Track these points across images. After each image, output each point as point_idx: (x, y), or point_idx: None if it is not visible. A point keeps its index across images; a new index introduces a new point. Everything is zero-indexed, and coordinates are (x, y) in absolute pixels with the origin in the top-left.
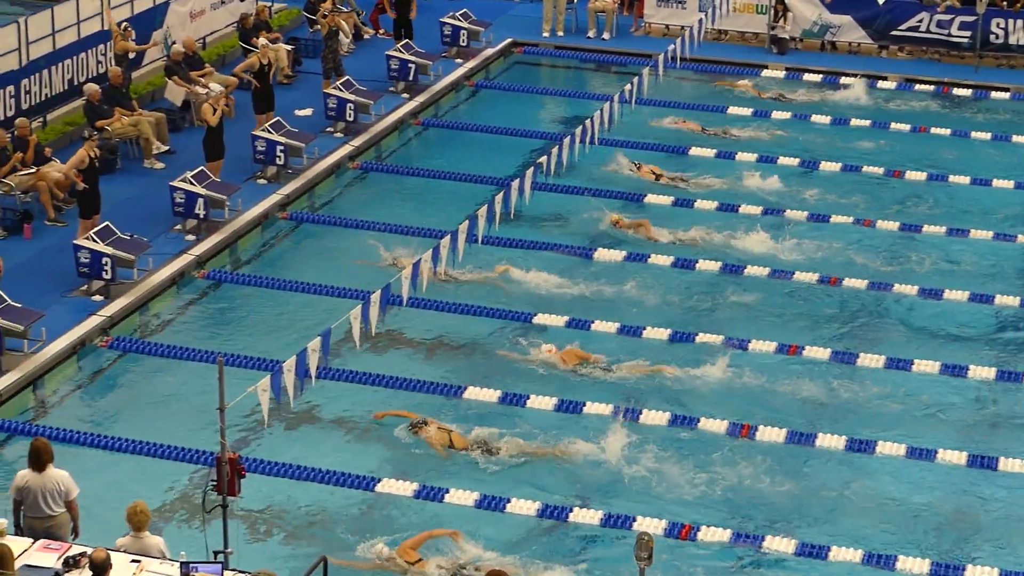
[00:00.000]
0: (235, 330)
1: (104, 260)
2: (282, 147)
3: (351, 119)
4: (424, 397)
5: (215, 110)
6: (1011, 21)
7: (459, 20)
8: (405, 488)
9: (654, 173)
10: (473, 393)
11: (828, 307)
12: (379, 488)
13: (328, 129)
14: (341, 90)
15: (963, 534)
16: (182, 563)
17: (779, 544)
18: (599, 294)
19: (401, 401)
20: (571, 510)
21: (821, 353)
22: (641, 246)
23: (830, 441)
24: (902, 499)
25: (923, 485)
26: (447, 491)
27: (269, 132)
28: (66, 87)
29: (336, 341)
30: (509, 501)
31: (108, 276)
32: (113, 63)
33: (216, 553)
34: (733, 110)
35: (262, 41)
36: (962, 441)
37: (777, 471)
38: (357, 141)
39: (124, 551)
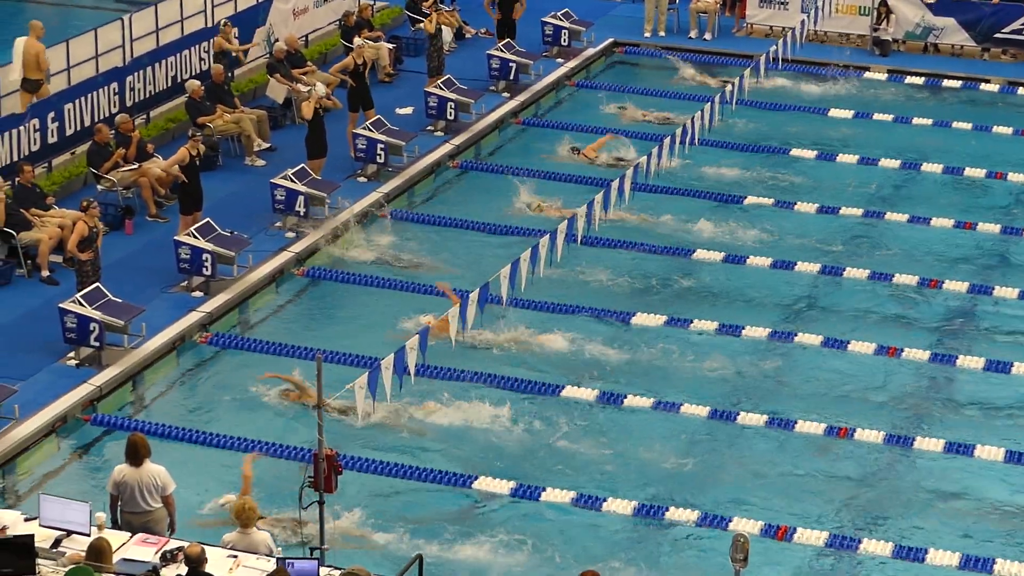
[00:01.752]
0: (332, 326)
1: (204, 256)
2: (382, 145)
3: (452, 118)
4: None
5: (313, 107)
6: None
7: (560, 20)
8: (502, 486)
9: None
10: (570, 392)
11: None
12: (476, 485)
13: (429, 128)
14: (442, 89)
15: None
16: (278, 559)
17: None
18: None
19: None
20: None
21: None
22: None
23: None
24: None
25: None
26: (543, 490)
27: (370, 130)
28: (169, 84)
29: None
30: None
31: (208, 272)
32: (214, 60)
33: (312, 550)
34: (835, 112)
35: (358, 41)
36: None
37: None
38: (457, 140)
39: (232, 547)
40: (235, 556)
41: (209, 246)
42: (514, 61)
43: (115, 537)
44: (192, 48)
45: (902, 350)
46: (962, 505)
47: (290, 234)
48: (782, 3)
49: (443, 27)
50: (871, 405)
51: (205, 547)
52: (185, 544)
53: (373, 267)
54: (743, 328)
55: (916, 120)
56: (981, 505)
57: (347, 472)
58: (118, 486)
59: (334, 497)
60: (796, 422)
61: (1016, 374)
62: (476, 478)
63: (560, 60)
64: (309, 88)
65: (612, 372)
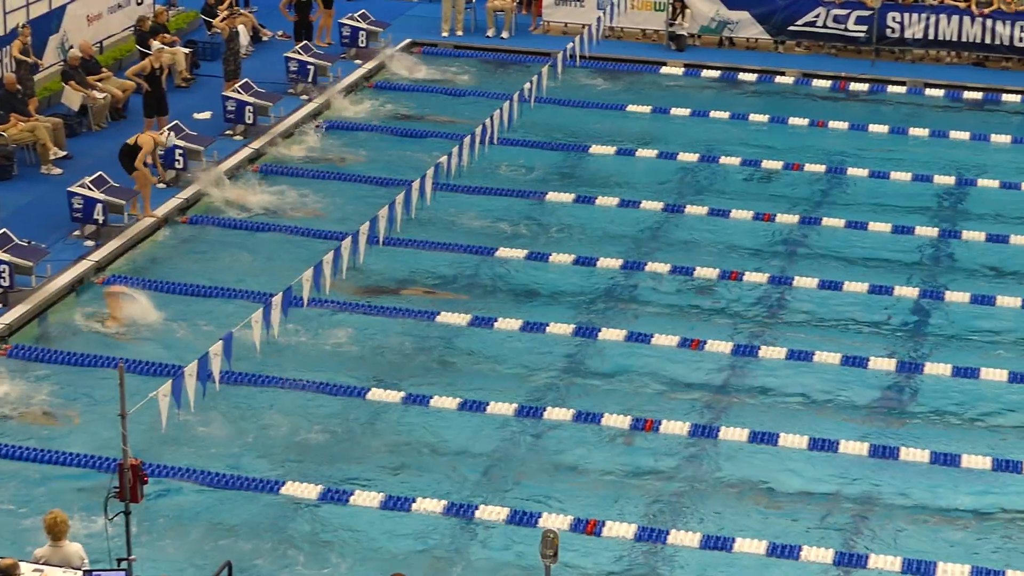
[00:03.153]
0: (137, 337)
1: (1, 267)
2: (181, 151)
3: (250, 122)
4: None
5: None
6: (906, 15)
7: (357, 21)
8: (311, 491)
9: None
10: (377, 394)
11: (727, 300)
12: (284, 490)
13: (227, 132)
14: (240, 92)
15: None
16: (85, 571)
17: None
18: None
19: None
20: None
21: (723, 347)
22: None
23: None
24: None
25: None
26: (352, 494)
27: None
28: None
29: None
30: None
31: (6, 284)
32: (10, 68)
33: (119, 560)
34: (632, 108)
35: (156, 45)
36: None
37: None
38: (257, 143)
39: (45, 561)
40: (40, 571)
41: (6, 257)
42: (312, 63)
43: None
44: None
45: (705, 342)
46: (768, 493)
47: (89, 242)
48: (578, 0)
49: (239, 30)
50: (676, 397)
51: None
52: None
53: (175, 273)
54: (547, 325)
55: (713, 114)
56: (786, 493)
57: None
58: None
59: (140, 506)
60: (602, 416)
61: (817, 362)
62: (283, 483)
63: (358, 61)
64: (104, 95)
65: (418, 372)
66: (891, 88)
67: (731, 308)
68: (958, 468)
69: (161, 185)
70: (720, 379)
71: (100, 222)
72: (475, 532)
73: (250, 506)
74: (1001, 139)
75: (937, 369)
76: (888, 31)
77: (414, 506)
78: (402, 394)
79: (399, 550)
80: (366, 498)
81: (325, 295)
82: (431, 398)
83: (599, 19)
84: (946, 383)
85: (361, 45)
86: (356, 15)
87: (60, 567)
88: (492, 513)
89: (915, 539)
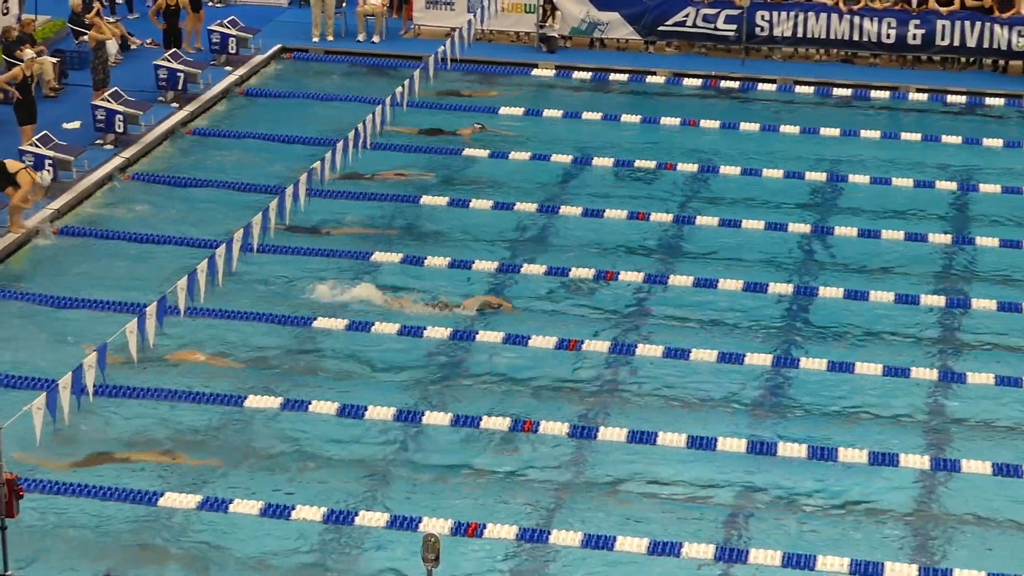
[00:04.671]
0: (4, 350)
1: None
2: (51, 161)
3: (121, 130)
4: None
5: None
6: (775, 14)
7: (227, 27)
8: (189, 501)
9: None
10: (254, 401)
11: (602, 301)
12: (161, 502)
13: (98, 141)
14: (109, 101)
15: None
16: None
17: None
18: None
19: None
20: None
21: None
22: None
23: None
24: None
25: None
26: (231, 501)
27: (36, 146)
28: None
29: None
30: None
31: None
32: None
33: None
34: (505, 110)
35: (28, 53)
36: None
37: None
38: (128, 152)
39: None
40: None
41: None
42: (182, 71)
43: None
44: None
45: (582, 342)
46: (648, 492)
47: None
48: (448, 4)
49: (107, 39)
50: (555, 398)
51: None
52: None
53: (45, 285)
54: (424, 329)
55: (585, 115)
56: (666, 491)
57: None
58: None
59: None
60: (481, 418)
61: (694, 360)
62: (163, 493)
63: (228, 68)
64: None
65: (296, 379)
66: (761, 86)
67: (607, 308)
68: (835, 462)
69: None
70: (598, 379)
71: None
72: (356, 538)
73: (128, 517)
74: (870, 134)
75: (813, 364)
76: (757, 29)
77: (294, 514)
78: (280, 400)
79: (279, 558)
80: (245, 506)
81: (201, 303)
82: (309, 403)
83: (470, 22)
84: (822, 378)
85: (231, 51)
86: (226, 21)
87: None
88: (372, 519)
89: (794, 533)
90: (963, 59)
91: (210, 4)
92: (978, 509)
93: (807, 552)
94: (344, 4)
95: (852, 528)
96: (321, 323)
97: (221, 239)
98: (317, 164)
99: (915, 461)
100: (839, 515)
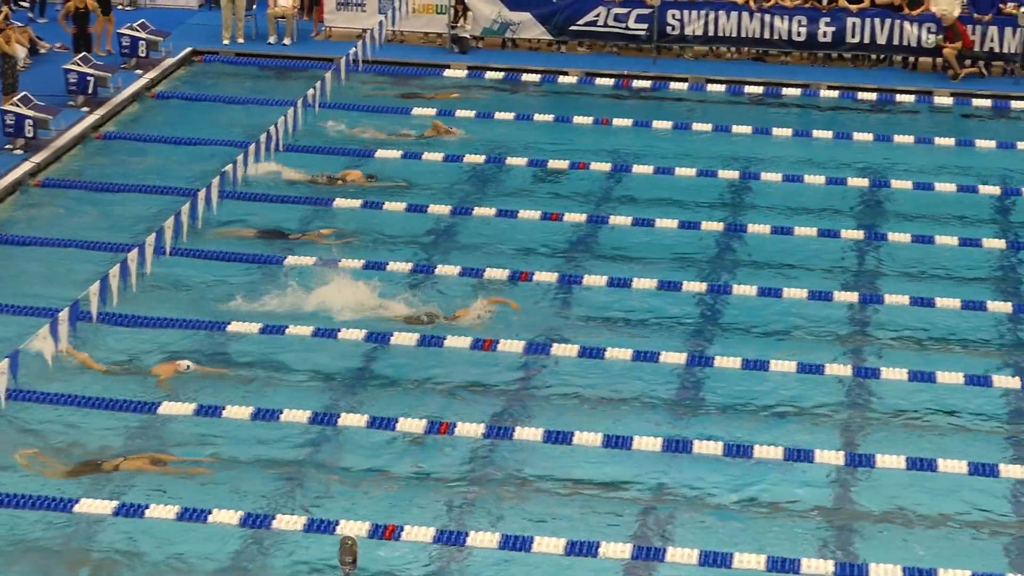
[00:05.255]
0: None
1: None
2: None
3: (31, 135)
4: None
5: None
6: (686, 12)
7: (137, 31)
8: (105, 507)
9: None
10: (168, 408)
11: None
12: (77, 508)
13: (7, 146)
14: (19, 106)
15: None
16: None
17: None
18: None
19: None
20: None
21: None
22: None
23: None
24: None
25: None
26: (146, 506)
27: None
28: None
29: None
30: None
31: None
32: None
33: None
34: (417, 111)
35: None
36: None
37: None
38: (37, 157)
39: None
40: None
41: None
42: (92, 75)
43: None
44: None
45: (497, 342)
46: (564, 492)
47: None
48: (359, 5)
49: (14, 53)
50: (470, 399)
51: None
52: None
53: None
54: (338, 331)
55: (498, 115)
56: (583, 491)
57: None
58: None
59: None
60: (397, 420)
61: (609, 359)
62: (78, 501)
63: (139, 72)
64: None
65: (208, 382)
66: (673, 85)
67: (523, 308)
68: (750, 459)
69: None
70: (514, 379)
71: None
72: (273, 542)
73: (41, 523)
74: (782, 132)
75: (727, 362)
76: (668, 28)
77: (210, 517)
78: (194, 406)
79: (196, 562)
80: (161, 511)
81: (113, 307)
82: (223, 408)
83: (381, 23)
84: (736, 375)
85: (141, 55)
86: (136, 25)
87: None
88: (290, 522)
89: (711, 531)
90: (873, 56)
91: (120, 7)
92: (893, 503)
93: (724, 550)
94: (255, 6)
95: (768, 525)
96: (235, 327)
97: (133, 243)
98: (229, 167)
99: (830, 457)
100: (755, 512)
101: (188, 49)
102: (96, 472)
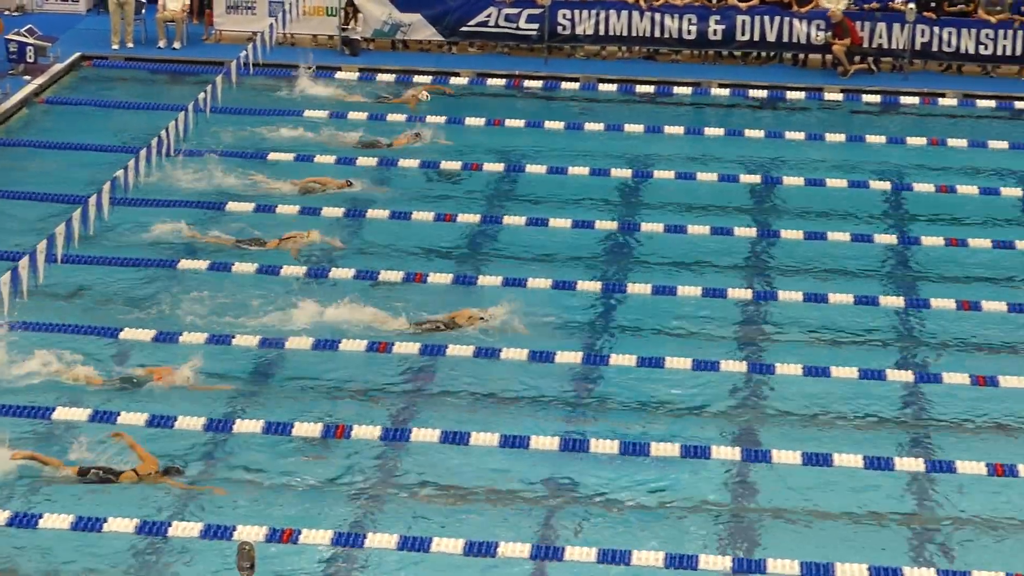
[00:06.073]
0: None
1: None
2: None
3: None
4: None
5: None
6: (577, 12)
7: (24, 36)
8: (63, 521)
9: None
10: (63, 413)
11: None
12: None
13: None
14: None
15: None
16: None
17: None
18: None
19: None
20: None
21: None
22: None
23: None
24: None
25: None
26: (41, 517)
27: None
28: None
29: None
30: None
31: None
32: None
33: None
34: (309, 113)
35: None
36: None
37: None
38: None
39: None
40: None
41: None
42: None
43: None
44: None
45: (392, 344)
46: (462, 492)
47: None
48: (249, 8)
49: None
50: (366, 401)
51: None
52: None
53: None
54: (232, 337)
55: (390, 116)
56: (480, 491)
57: None
58: None
59: None
60: (293, 424)
61: (505, 359)
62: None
63: (27, 78)
64: None
65: (103, 390)
66: (565, 84)
67: (417, 309)
68: (647, 456)
69: None
70: (409, 381)
71: None
72: (170, 549)
73: None
74: (674, 130)
75: (623, 360)
76: (559, 28)
77: (106, 526)
78: (89, 411)
79: (91, 573)
80: (55, 520)
81: (4, 317)
82: (118, 414)
83: (271, 26)
84: (632, 373)
85: (29, 60)
86: (23, 30)
87: None
88: (186, 529)
89: (609, 529)
90: (763, 54)
91: (6, 13)
92: (790, 498)
93: (622, 547)
94: (143, 11)
95: (666, 522)
96: (128, 333)
97: (23, 251)
98: (120, 172)
99: (727, 453)
100: (653, 509)
101: (77, 54)
102: None
